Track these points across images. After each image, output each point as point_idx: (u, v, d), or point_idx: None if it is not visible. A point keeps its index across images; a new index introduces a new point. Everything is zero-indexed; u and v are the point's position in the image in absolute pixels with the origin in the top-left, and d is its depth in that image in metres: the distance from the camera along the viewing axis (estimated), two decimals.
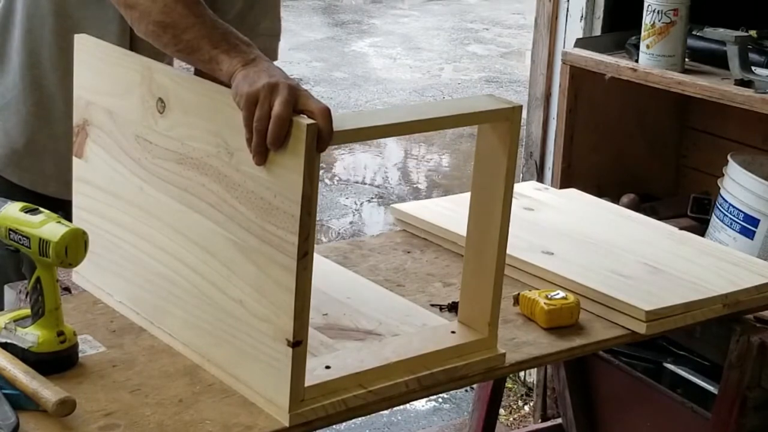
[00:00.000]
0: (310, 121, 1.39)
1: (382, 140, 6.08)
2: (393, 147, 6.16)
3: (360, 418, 2.61)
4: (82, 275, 1.82)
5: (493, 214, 1.60)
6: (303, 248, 1.41)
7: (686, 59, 2.75)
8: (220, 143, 1.52)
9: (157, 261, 1.67)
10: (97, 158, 1.76)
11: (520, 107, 1.58)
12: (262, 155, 1.44)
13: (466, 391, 3.36)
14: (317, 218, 1.47)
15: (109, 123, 1.73)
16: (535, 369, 3.24)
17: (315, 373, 1.50)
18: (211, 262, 1.56)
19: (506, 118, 1.56)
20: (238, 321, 1.53)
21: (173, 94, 1.60)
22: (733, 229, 2.64)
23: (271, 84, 1.44)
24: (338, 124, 1.44)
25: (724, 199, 2.68)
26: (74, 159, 1.81)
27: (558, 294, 1.82)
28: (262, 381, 1.49)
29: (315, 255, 1.44)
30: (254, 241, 1.47)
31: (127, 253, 1.73)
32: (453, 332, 1.67)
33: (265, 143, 1.43)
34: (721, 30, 2.68)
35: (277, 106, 1.42)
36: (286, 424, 1.45)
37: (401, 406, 3.34)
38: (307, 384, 1.47)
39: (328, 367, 1.53)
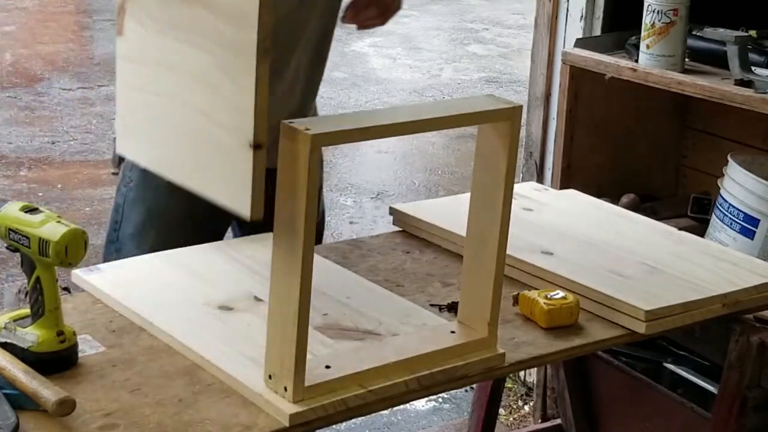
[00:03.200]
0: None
1: (382, 140, 6.08)
2: (393, 146, 6.16)
3: (360, 418, 2.61)
4: (81, 275, 1.83)
5: (493, 214, 1.60)
6: (262, 47, 1.44)
7: (686, 59, 2.75)
8: None
9: (164, 106, 1.67)
10: (132, 33, 1.76)
11: (520, 107, 1.58)
12: None
13: (466, 391, 3.36)
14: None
15: None
16: (535, 369, 3.24)
17: (315, 373, 1.50)
18: (200, 90, 1.58)
19: (506, 118, 1.57)
20: (221, 149, 1.53)
21: None
22: (733, 229, 2.65)
23: None
24: (338, 124, 1.44)
25: (724, 199, 2.68)
26: (116, 38, 1.82)
27: (557, 294, 1.82)
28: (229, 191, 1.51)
29: (315, 255, 1.45)
30: (231, 56, 1.49)
31: (159, 114, 1.71)
32: (452, 332, 1.67)
33: None
34: (721, 30, 2.68)
35: None
36: (286, 423, 1.46)
37: (401, 406, 3.34)
38: (307, 384, 1.48)
39: (328, 367, 1.54)
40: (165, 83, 1.69)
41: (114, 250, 2.21)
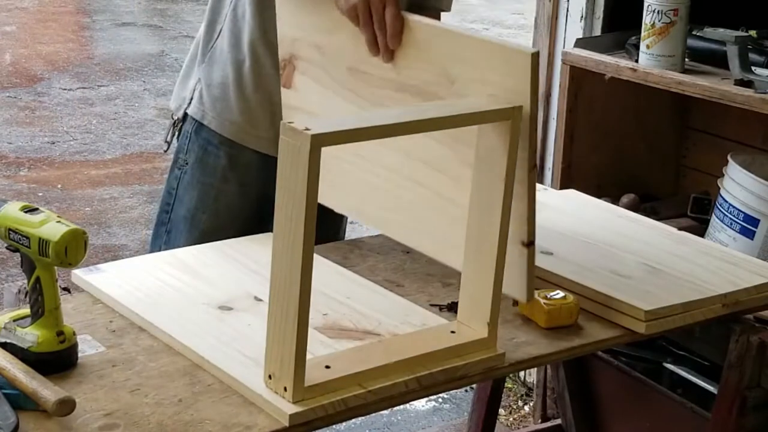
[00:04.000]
0: (534, 50, 1.54)
1: None
2: None
3: (360, 418, 2.61)
4: (81, 275, 1.83)
5: (493, 214, 1.60)
6: (532, 160, 1.57)
7: (686, 59, 2.75)
8: (440, 72, 1.63)
9: (379, 177, 1.80)
10: (306, 88, 1.86)
11: (521, 107, 1.57)
12: (388, 53, 1.72)
13: (466, 391, 3.36)
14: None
15: (317, 57, 1.86)
16: (535, 369, 3.24)
17: (315, 373, 1.50)
18: (438, 177, 1.69)
19: (506, 118, 1.56)
20: (464, 227, 1.64)
21: None
22: (733, 229, 2.65)
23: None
24: (339, 124, 1.44)
25: (724, 199, 2.68)
26: (283, 89, 1.94)
27: (557, 294, 1.82)
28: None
29: (315, 255, 1.45)
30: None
31: (343, 170, 1.84)
32: (453, 332, 1.67)
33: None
34: (721, 30, 2.68)
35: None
36: (286, 423, 1.46)
37: (401, 406, 3.34)
38: (306, 384, 1.47)
39: (327, 367, 1.53)
40: (369, 150, 1.80)
41: (164, 232, 2.25)
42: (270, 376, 1.50)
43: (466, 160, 1.64)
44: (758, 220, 2.60)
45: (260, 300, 1.78)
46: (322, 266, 1.90)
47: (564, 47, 3.09)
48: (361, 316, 1.75)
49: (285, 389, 1.47)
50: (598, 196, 2.46)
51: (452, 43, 1.65)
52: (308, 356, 1.48)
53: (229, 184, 2.20)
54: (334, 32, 1.84)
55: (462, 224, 1.66)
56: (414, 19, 1.74)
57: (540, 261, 1.96)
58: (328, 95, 1.81)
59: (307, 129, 1.40)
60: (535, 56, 1.54)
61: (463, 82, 1.63)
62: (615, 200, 2.84)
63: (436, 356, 1.60)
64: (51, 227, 1.50)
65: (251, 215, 2.21)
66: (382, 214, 1.85)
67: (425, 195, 1.74)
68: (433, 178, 1.72)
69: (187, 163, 2.23)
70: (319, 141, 1.40)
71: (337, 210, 1.95)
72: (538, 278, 1.93)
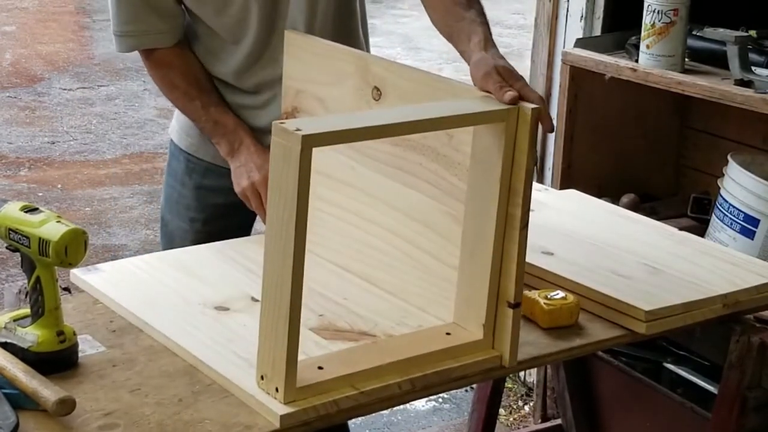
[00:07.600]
0: (534, 106, 1.55)
1: None
2: None
3: (360, 418, 2.61)
4: (81, 276, 1.83)
5: (488, 215, 1.59)
6: (524, 219, 1.57)
7: (686, 59, 2.75)
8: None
9: (368, 233, 1.81)
10: None
11: (517, 108, 1.56)
12: None
13: (466, 391, 3.36)
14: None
15: (319, 109, 1.89)
16: (535, 369, 3.24)
17: (307, 374, 1.50)
18: (427, 234, 1.69)
19: (501, 119, 1.56)
20: (454, 285, 1.65)
21: (390, 82, 1.73)
22: (733, 229, 2.64)
23: (251, 187, 2.00)
24: (332, 125, 1.44)
25: (724, 199, 2.68)
26: None
27: (557, 294, 1.81)
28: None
29: (312, 256, 1.44)
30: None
31: (335, 226, 1.86)
32: (448, 334, 1.66)
33: None
34: (721, 30, 2.68)
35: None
36: (277, 425, 1.45)
37: (401, 406, 3.34)
38: (299, 385, 1.47)
39: (320, 368, 1.53)
40: (352, 202, 1.83)
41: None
42: (262, 377, 1.49)
43: (457, 217, 1.65)
44: (758, 220, 2.60)
45: (257, 300, 1.76)
46: (320, 267, 1.90)
47: (564, 47, 3.09)
48: (357, 317, 1.75)
49: (277, 390, 1.47)
50: (598, 196, 2.46)
51: (447, 96, 1.67)
52: (302, 357, 1.47)
53: (186, 189, 2.27)
54: (337, 85, 1.87)
55: (450, 283, 1.67)
56: (413, 71, 1.74)
57: (540, 261, 1.97)
58: (325, 149, 1.82)
59: (298, 129, 1.40)
60: (535, 111, 1.55)
61: (460, 135, 1.63)
62: (615, 200, 2.84)
63: (430, 358, 1.60)
64: (51, 227, 1.50)
65: (210, 221, 2.25)
66: (370, 271, 1.84)
67: (413, 253, 1.75)
68: (422, 236, 1.72)
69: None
70: (310, 141, 1.40)
71: (325, 261, 1.92)
72: (538, 278, 1.94)
